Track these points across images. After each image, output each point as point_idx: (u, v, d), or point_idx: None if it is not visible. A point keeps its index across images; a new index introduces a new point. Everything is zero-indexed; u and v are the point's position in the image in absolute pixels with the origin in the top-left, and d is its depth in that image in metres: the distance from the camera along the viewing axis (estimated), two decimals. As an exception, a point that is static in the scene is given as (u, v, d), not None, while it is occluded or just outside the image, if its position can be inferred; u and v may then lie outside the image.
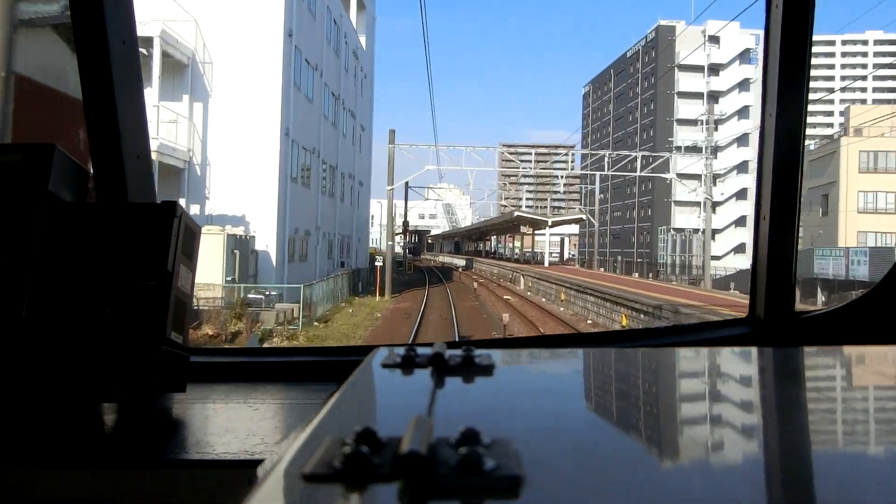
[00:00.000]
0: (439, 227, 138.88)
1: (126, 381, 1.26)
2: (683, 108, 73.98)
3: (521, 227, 49.40)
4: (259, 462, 0.63)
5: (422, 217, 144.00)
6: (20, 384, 1.23)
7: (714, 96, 74.72)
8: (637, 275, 54.95)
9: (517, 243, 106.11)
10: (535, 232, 62.56)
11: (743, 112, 74.74)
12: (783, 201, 1.73)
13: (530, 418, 0.63)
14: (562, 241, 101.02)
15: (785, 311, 1.77)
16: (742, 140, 72.54)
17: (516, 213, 45.92)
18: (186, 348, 1.40)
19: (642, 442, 0.61)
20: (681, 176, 73.09)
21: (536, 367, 0.94)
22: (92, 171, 1.65)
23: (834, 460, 0.57)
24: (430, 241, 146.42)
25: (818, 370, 0.96)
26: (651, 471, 0.52)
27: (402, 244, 64.98)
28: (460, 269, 70.25)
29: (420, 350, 0.77)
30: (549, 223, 46.97)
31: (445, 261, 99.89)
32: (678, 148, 73.55)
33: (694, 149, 74.15)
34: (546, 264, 48.85)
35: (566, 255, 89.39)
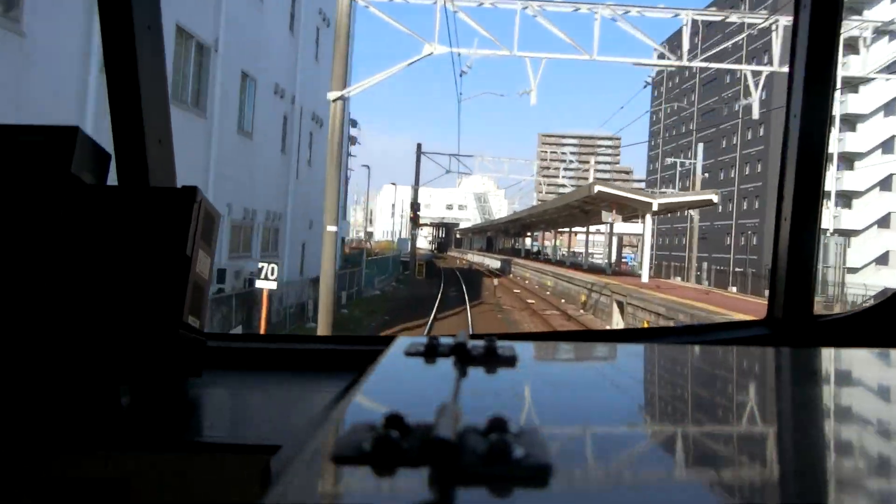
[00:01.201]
0: (469, 219, 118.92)
1: (143, 364, 1.27)
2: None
3: (602, 212, 29.57)
4: (274, 448, 0.63)
5: (449, 207, 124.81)
6: (39, 365, 1.24)
7: (851, 45, 53.70)
8: (735, 289, 37.25)
9: (557, 242, 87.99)
10: (617, 222, 43.38)
11: (893, 66, 53.42)
12: (805, 202, 1.73)
13: (554, 409, 0.64)
14: (619, 241, 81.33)
15: (803, 314, 1.77)
16: (891, 107, 51.60)
17: (597, 188, 26.55)
18: (203, 333, 1.40)
19: (665, 436, 0.61)
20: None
21: (558, 361, 0.95)
22: (114, 154, 1.62)
23: (852, 463, 0.57)
24: (458, 235, 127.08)
25: (836, 372, 0.96)
26: (674, 465, 0.53)
27: (413, 235, 45.69)
28: (493, 276, 50.74)
29: (442, 340, 0.77)
30: (654, 207, 27.47)
31: (474, 260, 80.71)
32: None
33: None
34: (645, 278, 28.99)
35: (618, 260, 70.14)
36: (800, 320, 1.76)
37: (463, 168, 52.80)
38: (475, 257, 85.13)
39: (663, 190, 63.49)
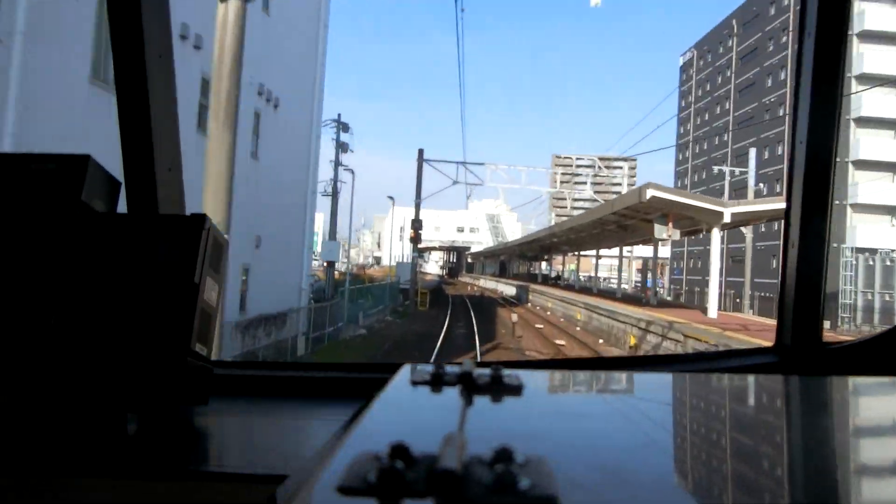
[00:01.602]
0: (481, 242, 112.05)
1: (150, 391, 1.27)
2: (871, 57, 46.05)
3: (655, 226, 22.58)
4: (280, 477, 0.63)
5: (460, 230, 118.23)
6: (47, 392, 1.24)
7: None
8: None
9: (571, 266, 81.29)
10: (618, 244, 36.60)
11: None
12: (812, 229, 1.73)
13: (561, 439, 0.64)
14: (644, 266, 74.36)
15: (812, 341, 1.76)
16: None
17: (651, 193, 19.75)
18: (210, 361, 1.39)
19: (673, 467, 0.61)
20: (860, 165, 46.00)
21: (565, 389, 0.95)
22: (124, 181, 1.66)
23: (861, 492, 0.57)
24: (469, 259, 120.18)
25: (845, 400, 0.96)
26: (682, 496, 0.52)
27: (414, 258, 38.83)
28: (509, 306, 43.73)
29: (448, 368, 0.77)
30: (726, 218, 20.44)
31: (487, 287, 73.82)
32: (863, 120, 46.67)
33: (886, 122, 47.54)
34: (713, 312, 21.96)
35: (643, 285, 63.23)
36: (809, 348, 1.76)
37: (472, 178, 45.87)
38: (488, 283, 78.19)
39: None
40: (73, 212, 1.29)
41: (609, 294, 41.58)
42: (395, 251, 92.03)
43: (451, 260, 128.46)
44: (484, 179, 42.38)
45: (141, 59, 1.65)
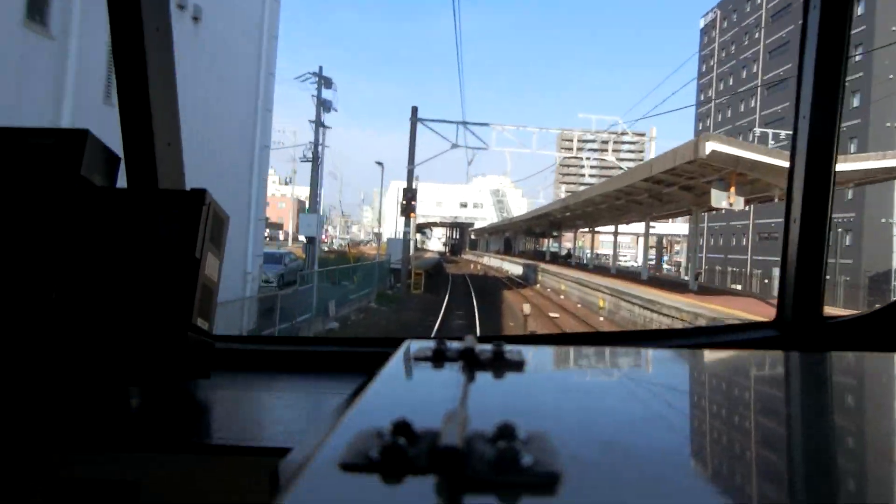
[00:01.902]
0: (486, 219, 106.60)
1: (151, 365, 1.29)
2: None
3: (713, 192, 17.50)
4: (283, 450, 0.64)
5: (463, 206, 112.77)
6: (49, 366, 1.26)
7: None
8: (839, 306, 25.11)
9: (579, 243, 76.09)
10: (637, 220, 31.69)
11: None
12: (814, 204, 1.74)
13: (563, 414, 0.64)
14: (659, 243, 69.16)
15: (813, 316, 1.77)
16: None
17: (711, 146, 14.81)
18: (212, 335, 1.42)
19: (675, 442, 0.61)
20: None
21: (566, 365, 0.95)
22: (123, 156, 1.65)
23: (859, 466, 0.57)
24: (472, 236, 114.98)
25: (845, 375, 0.97)
26: (684, 471, 0.53)
27: (406, 233, 33.79)
28: (516, 287, 38.77)
29: (450, 344, 0.78)
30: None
31: (491, 265, 68.84)
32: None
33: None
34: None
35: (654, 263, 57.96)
36: (809, 322, 1.76)
37: (473, 141, 40.17)
38: (492, 261, 73.25)
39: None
40: (73, 186, 1.29)
41: (630, 275, 36.51)
42: (399, 227, 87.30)
43: (453, 236, 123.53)
44: (489, 143, 36.39)
45: (139, 34, 1.65)
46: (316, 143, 32.23)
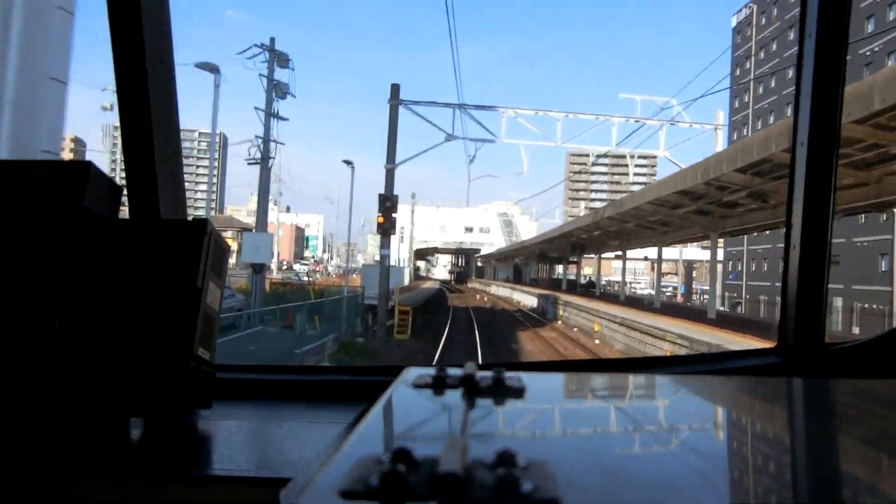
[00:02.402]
0: (493, 244, 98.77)
1: (153, 396, 1.29)
2: None
3: None
4: (284, 480, 0.64)
5: (468, 230, 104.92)
6: (51, 397, 1.26)
7: None
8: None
9: (586, 269, 67.98)
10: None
11: None
12: (814, 230, 1.74)
13: (563, 441, 0.65)
14: (689, 269, 60.81)
15: (815, 342, 1.76)
16: None
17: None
18: (213, 365, 1.42)
19: (676, 469, 0.60)
20: None
21: (567, 391, 0.96)
22: (126, 187, 1.69)
23: (864, 493, 0.57)
24: (479, 262, 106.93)
25: (848, 402, 0.96)
26: (685, 499, 0.52)
27: (384, 256, 25.45)
28: (534, 325, 30.49)
29: (450, 371, 0.78)
30: None
31: (500, 295, 60.67)
32: None
33: None
34: None
35: (677, 293, 49.61)
36: (811, 349, 1.75)
37: (469, 129, 31.93)
38: (501, 290, 65.07)
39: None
40: (76, 217, 1.31)
41: (681, 311, 28.15)
42: (403, 254, 78.68)
43: (459, 263, 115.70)
44: (497, 134, 27.67)
45: (142, 65, 1.67)
46: (266, 139, 24.26)
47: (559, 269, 63.69)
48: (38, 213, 1.31)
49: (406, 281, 56.88)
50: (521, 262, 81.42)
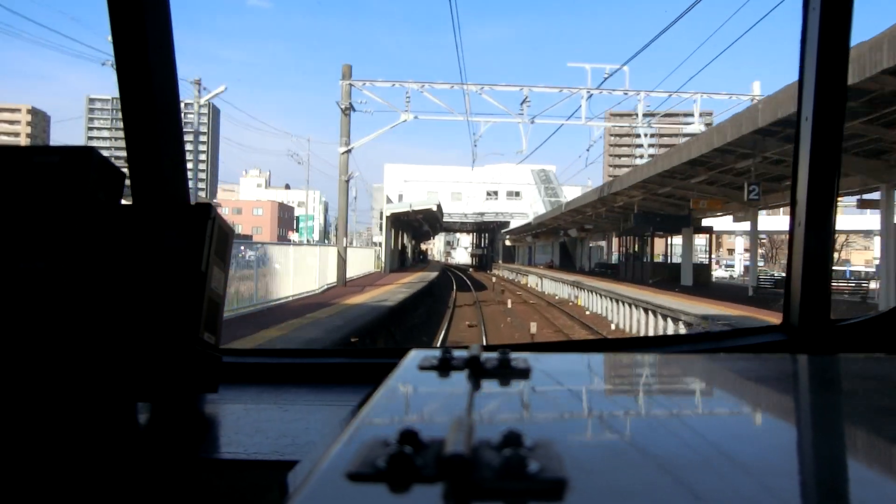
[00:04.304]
0: (526, 214, 69.85)
1: (159, 381, 1.30)
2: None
3: None
4: (290, 463, 0.66)
5: (490, 195, 76.97)
6: (57, 383, 1.27)
7: None
8: None
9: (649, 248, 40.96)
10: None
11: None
12: (819, 207, 1.74)
13: (569, 421, 0.65)
14: (754, 244, 33.36)
15: (820, 319, 1.77)
16: None
17: None
18: (219, 349, 1.43)
19: (683, 448, 0.60)
20: None
21: (572, 372, 0.96)
22: (128, 173, 1.69)
23: (871, 468, 0.57)
24: (507, 241, 78.28)
25: (854, 378, 0.96)
26: (692, 477, 0.52)
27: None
28: None
29: (456, 353, 0.78)
30: None
31: (549, 291, 33.39)
32: None
33: None
34: None
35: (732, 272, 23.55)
36: (816, 326, 1.75)
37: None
38: (548, 285, 37.83)
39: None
40: (79, 203, 1.32)
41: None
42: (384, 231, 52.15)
43: (482, 244, 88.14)
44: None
45: (143, 49, 1.67)
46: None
47: (669, 244, 35.50)
48: (41, 199, 1.30)
49: (360, 271, 30.40)
50: (569, 238, 53.67)
